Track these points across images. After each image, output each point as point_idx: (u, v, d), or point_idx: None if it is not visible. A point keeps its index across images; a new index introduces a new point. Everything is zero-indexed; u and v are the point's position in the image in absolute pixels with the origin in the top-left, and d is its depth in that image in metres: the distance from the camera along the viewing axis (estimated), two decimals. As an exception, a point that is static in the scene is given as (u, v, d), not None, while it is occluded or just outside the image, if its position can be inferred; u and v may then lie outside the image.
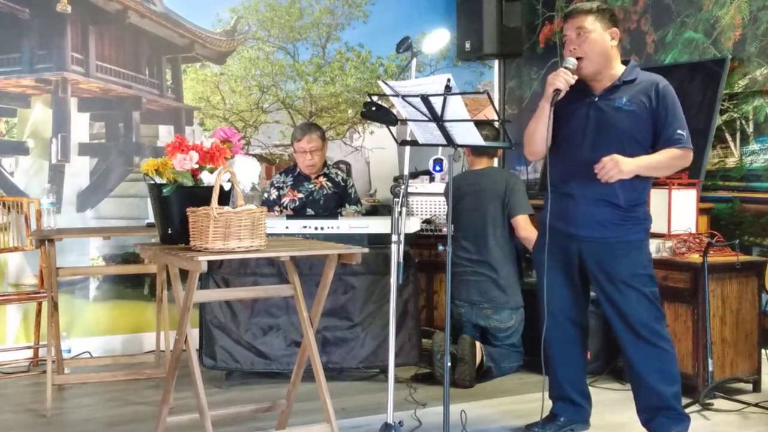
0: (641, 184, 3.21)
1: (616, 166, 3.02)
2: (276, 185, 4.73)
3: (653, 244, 3.97)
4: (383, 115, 3.07)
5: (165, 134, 5.18)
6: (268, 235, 3.03)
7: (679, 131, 3.12)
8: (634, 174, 3.10)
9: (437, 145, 3.10)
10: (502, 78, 6.14)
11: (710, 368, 3.77)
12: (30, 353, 4.65)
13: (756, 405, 3.73)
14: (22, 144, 4.84)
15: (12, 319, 4.75)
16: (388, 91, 2.95)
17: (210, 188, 2.73)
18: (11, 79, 4.79)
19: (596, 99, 3.22)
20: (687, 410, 3.38)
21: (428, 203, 5.08)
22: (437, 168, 5.20)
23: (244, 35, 5.44)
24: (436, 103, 2.83)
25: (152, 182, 2.86)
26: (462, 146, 3.00)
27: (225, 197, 2.86)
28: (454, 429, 3.11)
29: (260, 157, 5.44)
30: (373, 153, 5.86)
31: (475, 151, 4.51)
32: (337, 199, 4.71)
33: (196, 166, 2.83)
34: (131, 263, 4.92)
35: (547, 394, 3.38)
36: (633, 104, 3.15)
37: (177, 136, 2.96)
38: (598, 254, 3.22)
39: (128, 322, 5.03)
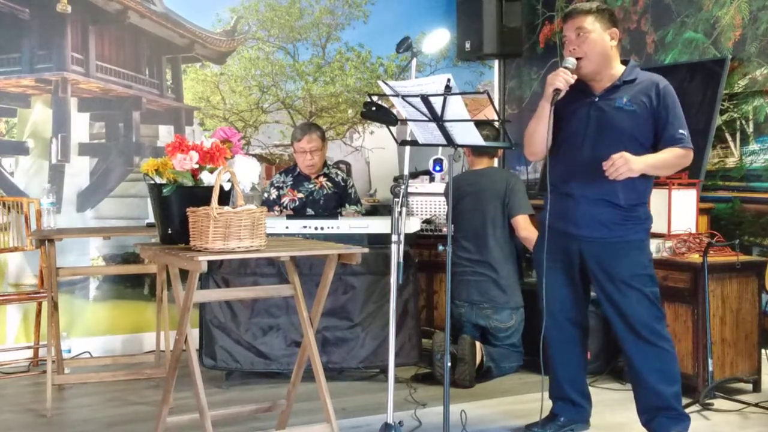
0: (642, 184, 3.21)
1: (626, 164, 3.01)
2: (276, 185, 4.73)
3: (653, 244, 3.97)
4: (383, 115, 3.07)
5: (165, 134, 5.18)
6: (268, 235, 3.03)
7: (680, 131, 3.13)
8: (642, 172, 3.09)
9: (437, 145, 3.10)
10: (502, 78, 6.14)
11: (710, 368, 3.77)
12: (30, 353, 4.65)
13: (756, 405, 3.73)
14: (22, 144, 4.84)
15: (12, 319, 4.75)
16: (388, 91, 2.95)
17: (210, 188, 2.73)
18: (11, 79, 4.79)
19: (596, 99, 3.22)
20: (687, 410, 3.38)
21: (428, 203, 5.08)
22: (437, 168, 5.20)
23: (244, 35, 5.44)
24: (436, 103, 2.83)
25: (152, 182, 2.86)
26: (462, 146, 3.00)
27: (225, 197, 2.86)
28: (454, 429, 3.11)
29: (260, 157, 5.44)
30: (373, 153, 5.86)
31: (475, 151, 4.51)
32: (337, 199, 4.71)
33: (196, 166, 2.83)
34: (131, 263, 4.92)
35: (547, 394, 3.38)
36: (634, 104, 3.16)
37: (177, 136, 2.96)
38: (598, 254, 3.22)
39: (128, 322, 5.03)
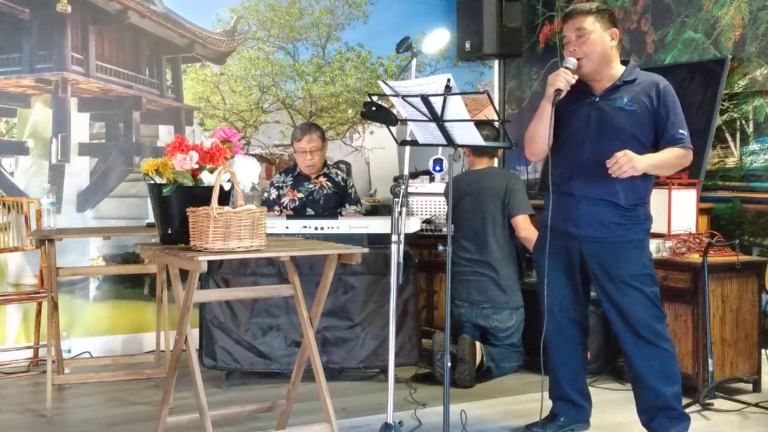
0: (643, 184, 3.22)
1: (630, 161, 3.01)
2: (276, 185, 4.73)
3: (653, 244, 3.97)
4: (383, 115, 3.07)
5: (165, 134, 5.18)
6: (268, 235, 3.03)
7: (681, 131, 3.14)
8: (644, 171, 3.09)
9: (437, 145, 3.10)
10: (502, 78, 6.14)
11: (710, 368, 3.77)
12: (30, 353, 4.65)
13: (756, 405, 3.73)
14: (22, 144, 4.84)
15: (12, 319, 4.75)
16: (388, 91, 2.95)
17: (210, 188, 2.73)
18: (11, 79, 4.79)
19: (597, 99, 3.22)
20: (687, 410, 3.38)
21: (428, 203, 5.08)
22: (437, 168, 5.19)
23: (244, 35, 5.44)
24: (436, 103, 2.83)
25: (152, 182, 2.86)
26: (462, 146, 3.00)
27: (225, 197, 2.85)
28: (454, 429, 3.12)
29: (260, 157, 5.44)
30: (373, 153, 5.86)
31: (475, 151, 4.51)
32: (337, 199, 4.71)
33: (196, 166, 2.83)
34: (131, 263, 4.92)
35: (547, 394, 3.37)
36: (634, 104, 3.16)
37: (177, 136, 2.96)
38: (598, 254, 3.22)
39: (128, 322, 5.03)
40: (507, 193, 4.42)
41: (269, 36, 5.53)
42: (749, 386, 4.01)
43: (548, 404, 3.43)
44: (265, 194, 4.77)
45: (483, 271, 4.40)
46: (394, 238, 3.10)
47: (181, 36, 5.25)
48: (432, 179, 5.21)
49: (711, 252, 3.86)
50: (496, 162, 4.92)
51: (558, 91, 3.09)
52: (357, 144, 5.82)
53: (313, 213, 4.61)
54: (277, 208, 4.65)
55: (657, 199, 3.99)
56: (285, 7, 5.56)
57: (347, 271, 4.14)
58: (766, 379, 4.05)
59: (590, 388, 3.55)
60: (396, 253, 3.10)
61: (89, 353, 4.82)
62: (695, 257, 3.92)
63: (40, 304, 4.57)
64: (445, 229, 4.90)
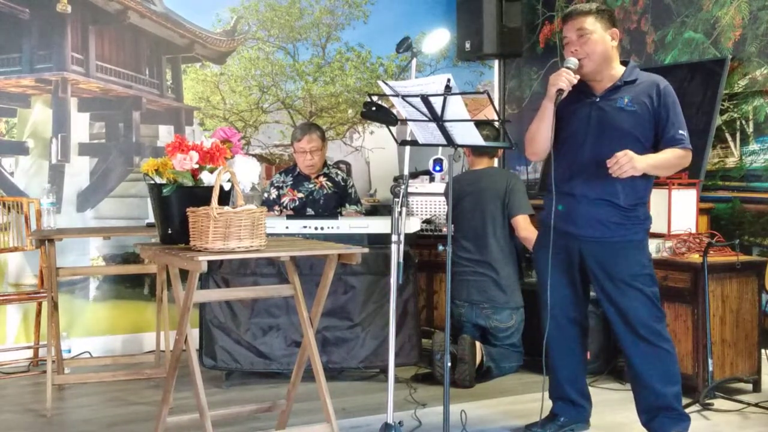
0: (642, 185, 3.22)
1: (630, 161, 3.01)
2: (276, 185, 4.73)
3: (653, 244, 3.97)
4: (383, 115, 3.07)
5: (165, 134, 5.18)
6: (268, 235, 3.03)
7: (680, 131, 3.14)
8: (644, 171, 3.10)
9: (437, 145, 3.10)
10: (502, 78, 6.14)
11: (710, 368, 3.77)
12: (30, 353, 4.65)
13: (756, 405, 3.73)
14: (22, 144, 4.84)
15: (12, 319, 4.75)
16: (388, 91, 2.95)
17: (210, 188, 2.73)
18: (11, 79, 4.79)
19: (597, 99, 3.22)
20: (687, 410, 3.37)
21: (428, 203, 5.08)
22: (437, 168, 5.19)
23: (244, 35, 5.44)
24: (436, 103, 2.83)
25: (152, 182, 2.86)
26: (462, 146, 3.00)
27: (225, 197, 2.85)
28: (454, 429, 3.11)
29: (260, 157, 5.44)
30: (373, 153, 5.86)
31: (476, 151, 4.51)
32: (337, 198, 4.71)
33: (196, 166, 2.83)
34: (131, 263, 4.92)
35: (547, 394, 3.38)
36: (635, 104, 3.16)
37: (177, 136, 2.96)
38: (598, 254, 3.23)
39: (128, 322, 5.03)
40: (507, 193, 4.42)
41: (269, 36, 5.53)
42: (749, 386, 4.01)
43: (548, 404, 3.43)
44: (265, 194, 4.77)
45: (483, 271, 4.40)
46: (394, 238, 3.10)
47: (181, 36, 5.25)
48: (432, 179, 5.21)
49: (711, 252, 3.86)
50: (496, 162, 4.92)
51: (560, 90, 3.09)
52: (357, 144, 5.82)
53: (313, 213, 4.61)
54: (277, 208, 4.65)
55: (657, 199, 4.00)
56: (285, 7, 5.56)
57: (347, 271, 4.14)
58: (766, 379, 4.05)
59: (590, 388, 3.55)
60: (396, 253, 3.10)
61: (89, 353, 4.82)
62: (695, 257, 3.92)
63: (40, 304, 4.57)
64: (445, 229, 4.90)
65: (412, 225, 4.26)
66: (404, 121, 3.12)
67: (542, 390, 3.24)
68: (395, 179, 4.93)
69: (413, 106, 2.91)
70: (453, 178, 4.25)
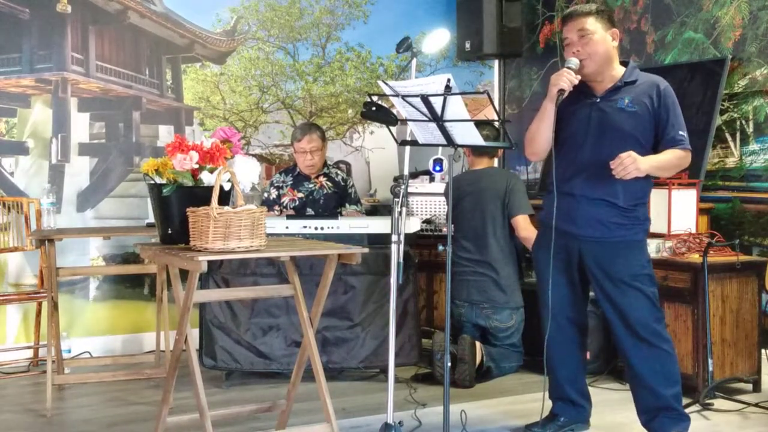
0: (642, 185, 3.22)
1: (634, 163, 3.01)
2: (276, 185, 4.73)
3: (653, 244, 3.97)
4: (383, 115, 3.07)
5: (165, 134, 5.18)
6: (268, 235, 3.03)
7: (680, 132, 3.14)
8: (647, 172, 3.10)
9: (437, 145, 3.10)
10: (502, 78, 6.14)
11: (710, 368, 3.77)
12: (30, 353, 4.65)
13: (756, 405, 3.73)
14: (22, 144, 4.84)
15: (12, 319, 4.75)
16: (388, 91, 2.95)
17: (210, 188, 2.73)
18: (11, 79, 4.79)
19: (598, 100, 3.22)
20: (687, 410, 3.37)
21: (428, 203, 5.08)
22: (437, 168, 5.20)
23: (244, 35, 5.44)
24: (436, 103, 2.83)
25: (152, 182, 2.86)
26: (462, 146, 3.00)
27: (225, 197, 2.85)
28: (454, 429, 3.11)
29: (260, 157, 5.44)
30: (373, 153, 5.86)
31: (475, 151, 4.51)
32: (337, 198, 4.71)
33: (196, 166, 2.83)
34: (131, 263, 4.92)
35: (547, 394, 3.38)
36: (636, 105, 3.16)
37: (177, 136, 2.96)
38: (597, 254, 3.23)
39: (128, 322, 5.03)
40: (507, 193, 4.42)
41: (269, 36, 5.53)
42: (749, 386, 4.01)
43: (548, 404, 3.43)
44: (265, 194, 4.77)
45: (483, 271, 4.40)
46: (394, 238, 3.10)
47: (181, 36, 5.25)
48: (432, 179, 5.21)
49: (711, 252, 3.86)
50: (496, 162, 4.92)
51: (561, 91, 3.08)
52: (357, 144, 5.82)
53: (313, 213, 4.61)
54: (277, 208, 4.65)
55: (657, 199, 4.00)
56: (285, 7, 5.56)
57: (347, 271, 4.14)
58: (766, 379, 4.05)
59: (590, 388, 3.55)
60: (396, 253, 3.10)
61: (89, 353, 4.82)
62: (695, 257, 3.92)
63: (40, 304, 4.57)
64: (445, 229, 4.90)
65: (412, 225, 4.26)
66: (404, 121, 3.12)
67: (543, 390, 3.24)
68: (395, 179, 4.93)
69: (413, 106, 2.91)
70: (453, 178, 4.25)
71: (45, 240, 3.91)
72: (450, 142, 2.98)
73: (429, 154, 5.17)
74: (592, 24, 3.17)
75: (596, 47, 3.16)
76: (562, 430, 3.41)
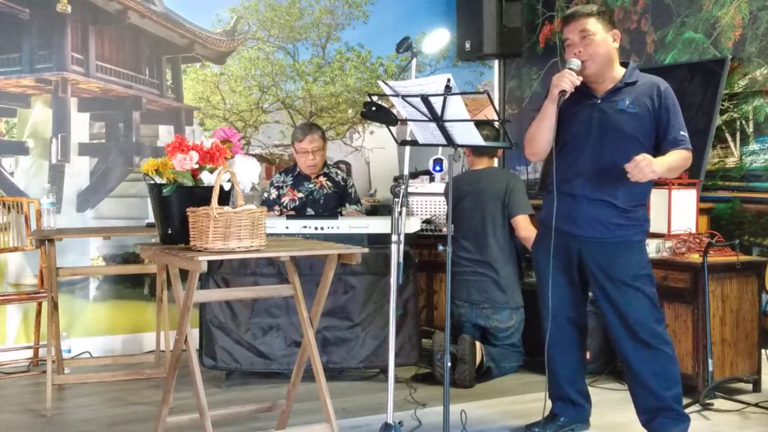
0: (642, 186, 3.21)
1: (650, 165, 2.99)
2: (276, 185, 4.73)
3: (653, 244, 3.97)
4: (383, 115, 3.07)
5: (165, 134, 5.18)
6: (268, 235, 3.03)
7: (681, 133, 3.15)
8: (660, 174, 3.09)
9: (437, 145, 3.10)
10: (502, 78, 6.14)
11: (710, 368, 3.77)
12: (30, 353, 4.65)
13: (756, 405, 3.73)
14: (22, 144, 4.84)
15: (12, 319, 4.75)
16: (388, 91, 2.95)
17: (210, 188, 2.73)
18: (11, 79, 4.79)
19: (599, 101, 3.22)
20: (687, 410, 3.38)
21: (428, 203, 5.08)
22: (437, 168, 5.20)
23: (244, 35, 5.44)
24: (436, 103, 2.83)
25: (152, 182, 2.86)
26: (462, 146, 3.00)
27: (225, 197, 2.85)
28: (454, 429, 3.11)
29: (260, 157, 5.44)
30: (373, 153, 5.86)
31: (475, 151, 4.51)
32: (337, 198, 4.71)
33: (196, 166, 2.83)
34: (131, 263, 4.92)
35: (547, 394, 3.38)
36: (636, 106, 3.16)
37: (177, 136, 2.96)
38: (597, 254, 3.23)
39: (128, 322, 5.03)
40: (507, 193, 4.42)
41: (269, 36, 5.53)
42: (749, 386, 4.01)
43: (548, 404, 3.43)
44: (265, 194, 4.77)
45: (483, 271, 4.40)
46: (394, 238, 3.10)
47: (181, 36, 5.25)
48: (432, 179, 5.21)
49: (711, 252, 3.86)
50: (496, 162, 4.92)
51: (563, 92, 3.08)
52: (357, 144, 5.82)
53: (313, 213, 4.61)
54: (277, 208, 4.65)
55: (657, 199, 4.00)
56: (285, 7, 5.56)
57: (347, 271, 4.14)
58: (766, 379, 4.05)
59: (590, 388, 3.55)
60: (396, 253, 3.10)
61: (89, 353, 4.82)
62: (695, 257, 3.92)
63: (40, 304, 4.57)
64: (445, 229, 4.90)
65: (412, 225, 4.26)
66: (404, 121, 3.12)
67: (545, 390, 3.24)
68: (395, 179, 4.93)
69: (413, 106, 2.91)
70: (453, 178, 4.25)
71: (45, 240, 3.91)
72: (450, 142, 2.98)
73: (429, 154, 5.17)
74: (594, 25, 3.16)
75: (598, 48, 3.15)
76: (562, 430, 3.41)
